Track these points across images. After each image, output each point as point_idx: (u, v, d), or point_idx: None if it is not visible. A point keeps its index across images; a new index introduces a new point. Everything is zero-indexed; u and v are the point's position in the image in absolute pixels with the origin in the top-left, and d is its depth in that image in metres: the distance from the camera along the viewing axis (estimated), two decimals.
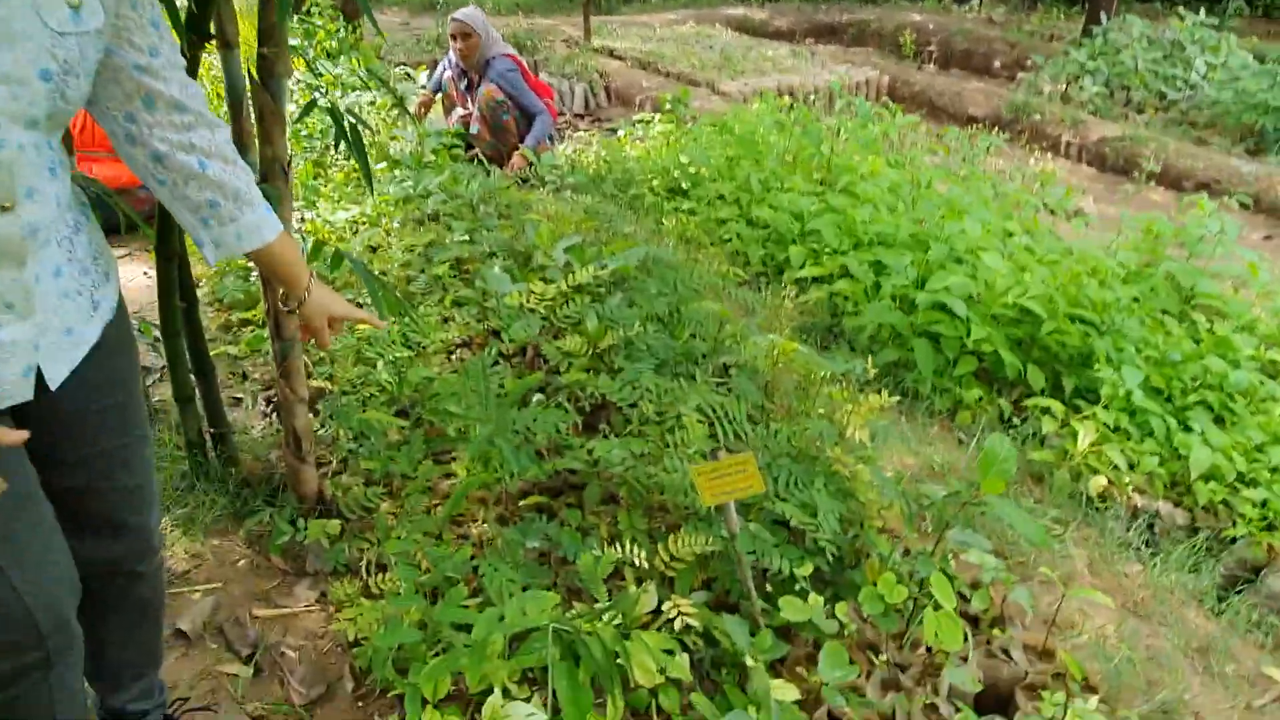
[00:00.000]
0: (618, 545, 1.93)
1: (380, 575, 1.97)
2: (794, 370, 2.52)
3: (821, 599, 1.80)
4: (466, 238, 3.42)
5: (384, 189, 3.79)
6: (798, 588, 1.86)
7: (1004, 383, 3.42)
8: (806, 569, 1.82)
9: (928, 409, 3.32)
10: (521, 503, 2.26)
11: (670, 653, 1.69)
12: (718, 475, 1.76)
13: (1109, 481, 2.95)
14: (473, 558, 1.94)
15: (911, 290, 3.51)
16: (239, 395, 2.82)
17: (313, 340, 1.41)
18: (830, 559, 1.89)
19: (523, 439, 2.15)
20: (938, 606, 1.78)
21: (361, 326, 2.30)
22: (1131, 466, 2.98)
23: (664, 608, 1.79)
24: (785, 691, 1.65)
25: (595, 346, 2.62)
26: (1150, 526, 2.89)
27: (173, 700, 1.73)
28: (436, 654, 1.73)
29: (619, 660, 1.63)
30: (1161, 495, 2.98)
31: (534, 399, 2.49)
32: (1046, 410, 3.20)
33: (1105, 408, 3.11)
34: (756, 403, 2.24)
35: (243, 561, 2.17)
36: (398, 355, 2.55)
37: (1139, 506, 2.95)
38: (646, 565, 1.90)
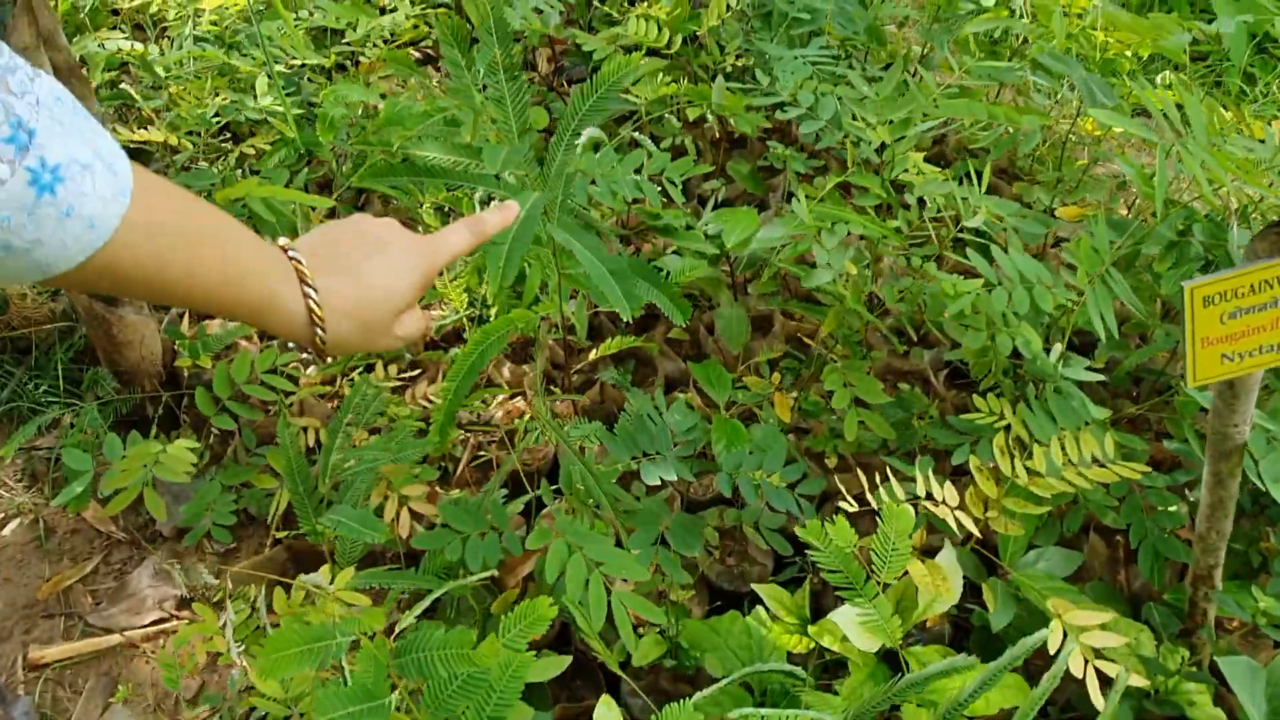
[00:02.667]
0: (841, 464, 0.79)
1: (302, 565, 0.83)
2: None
3: None
4: None
5: None
6: None
7: None
8: None
9: None
10: (592, 355, 1.08)
11: None
12: (1253, 303, 0.59)
13: None
14: (506, 496, 0.80)
15: None
16: None
17: None
18: None
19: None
20: None
21: None
22: None
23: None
24: None
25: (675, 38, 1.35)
26: None
27: None
28: None
29: None
30: None
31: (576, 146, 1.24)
32: None
33: None
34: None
35: (11, 526, 1.02)
36: (301, 62, 1.27)
37: None
38: (951, 506, 0.76)
